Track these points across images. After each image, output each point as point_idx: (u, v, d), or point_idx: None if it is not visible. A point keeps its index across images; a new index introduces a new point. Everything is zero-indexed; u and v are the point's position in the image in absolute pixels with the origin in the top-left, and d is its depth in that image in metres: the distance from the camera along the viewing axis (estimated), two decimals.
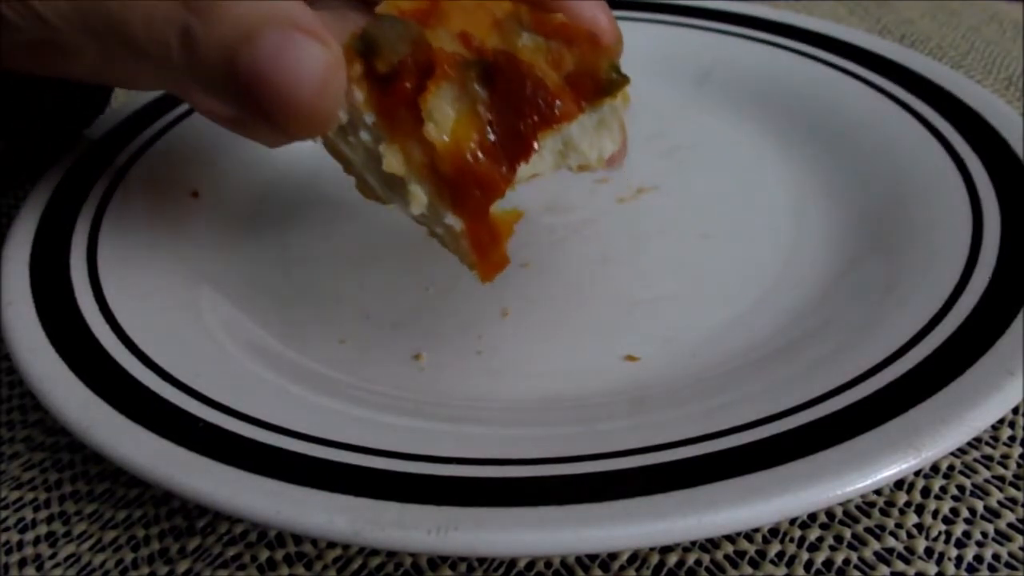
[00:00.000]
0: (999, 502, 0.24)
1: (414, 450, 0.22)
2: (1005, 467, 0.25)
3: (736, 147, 0.39)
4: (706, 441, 0.21)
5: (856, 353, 0.24)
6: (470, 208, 0.23)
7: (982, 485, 0.24)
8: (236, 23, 0.21)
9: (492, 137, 0.23)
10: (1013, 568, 0.22)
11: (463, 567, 0.23)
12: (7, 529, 0.25)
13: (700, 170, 0.38)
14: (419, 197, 0.23)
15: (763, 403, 0.23)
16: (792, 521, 0.23)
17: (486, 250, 0.24)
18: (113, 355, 0.25)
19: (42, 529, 0.25)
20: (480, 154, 0.23)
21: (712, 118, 0.41)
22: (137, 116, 0.38)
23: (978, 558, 0.22)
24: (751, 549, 0.23)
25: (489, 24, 0.24)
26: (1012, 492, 0.24)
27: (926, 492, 0.24)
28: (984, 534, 0.23)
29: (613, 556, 0.23)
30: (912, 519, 0.23)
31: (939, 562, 0.22)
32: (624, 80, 0.25)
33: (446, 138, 0.23)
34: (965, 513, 0.23)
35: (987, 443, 0.26)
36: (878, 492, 0.24)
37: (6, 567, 0.24)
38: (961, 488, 0.24)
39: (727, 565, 0.23)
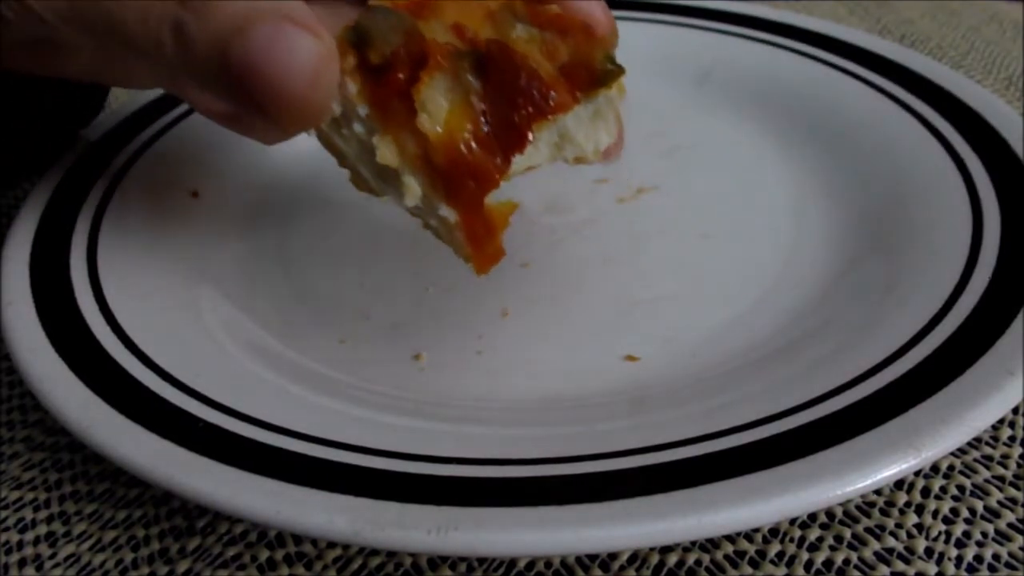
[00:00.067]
0: (999, 502, 0.24)
1: (414, 450, 0.22)
2: (1005, 467, 0.25)
3: (736, 147, 0.39)
4: (706, 441, 0.21)
5: (856, 353, 0.24)
6: (464, 199, 0.23)
7: (982, 485, 0.24)
8: (228, 17, 0.21)
9: (486, 128, 0.23)
10: (1013, 568, 0.22)
11: (463, 567, 0.23)
12: (7, 529, 0.25)
13: (700, 170, 0.38)
14: (413, 189, 0.23)
15: (763, 403, 0.23)
16: (792, 521, 0.23)
17: (481, 242, 0.23)
18: (113, 355, 0.25)
19: (42, 529, 0.25)
20: (474, 145, 0.23)
21: (712, 118, 0.41)
22: (137, 116, 0.38)
23: (978, 558, 0.22)
24: (751, 549, 0.23)
25: (483, 15, 0.24)
26: (1012, 492, 0.24)
27: (926, 492, 0.24)
28: (984, 534, 0.23)
29: (613, 556, 0.23)
30: (912, 519, 0.23)
31: (939, 562, 0.22)
32: (619, 71, 0.25)
33: (439, 129, 0.23)
34: (965, 513, 0.23)
35: (987, 443, 0.26)
36: (878, 492, 0.24)
37: (6, 567, 0.24)
38: (961, 488, 0.24)
39: (727, 565, 0.23)
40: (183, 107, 0.38)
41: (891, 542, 0.23)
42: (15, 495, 0.26)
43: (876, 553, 0.23)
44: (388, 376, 0.27)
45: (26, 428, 0.28)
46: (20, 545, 0.24)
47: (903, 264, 0.28)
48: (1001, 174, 0.30)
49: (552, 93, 0.23)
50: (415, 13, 0.24)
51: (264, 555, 0.24)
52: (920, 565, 0.22)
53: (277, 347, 0.28)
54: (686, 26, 0.44)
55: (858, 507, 0.24)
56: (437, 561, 0.23)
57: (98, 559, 0.24)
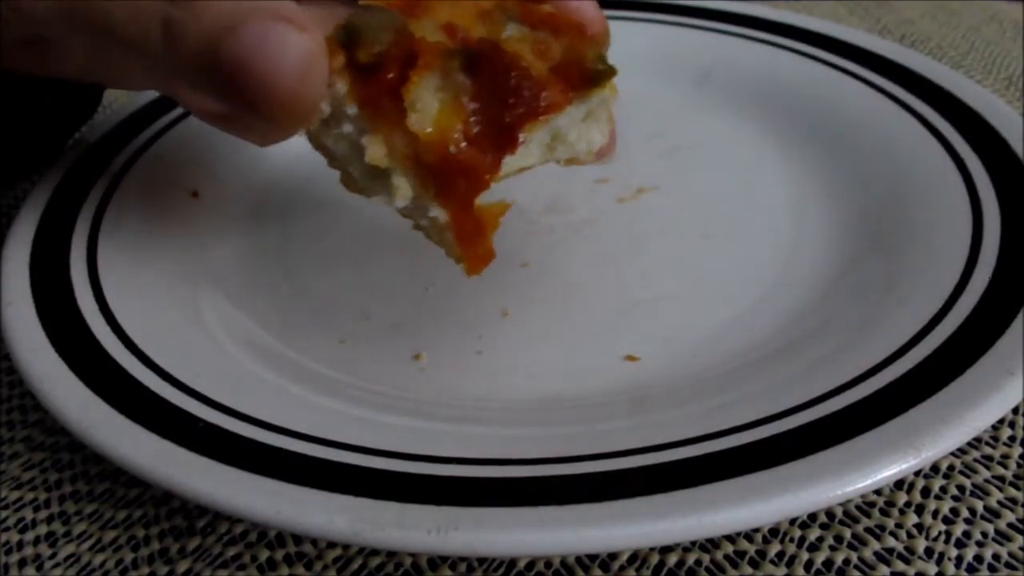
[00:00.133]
0: (999, 502, 0.24)
1: (414, 450, 0.22)
2: (1005, 467, 0.25)
3: (736, 147, 0.39)
4: (706, 441, 0.21)
5: (856, 353, 0.24)
6: (455, 200, 0.23)
7: (982, 485, 0.24)
8: (217, 15, 0.21)
9: (477, 128, 0.23)
10: (1013, 568, 0.22)
11: (463, 567, 0.23)
12: (7, 529, 0.25)
13: (700, 170, 0.38)
14: (403, 189, 0.23)
15: (763, 403, 0.23)
16: (792, 521, 0.23)
17: (471, 242, 0.23)
18: (113, 355, 0.25)
19: (42, 529, 0.25)
20: (464, 145, 0.23)
21: (712, 118, 0.41)
22: (136, 116, 0.38)
23: (978, 558, 0.22)
24: (751, 549, 0.23)
25: (475, 14, 0.24)
26: (1012, 492, 0.24)
27: (926, 492, 0.24)
28: (984, 534, 0.23)
29: (613, 556, 0.23)
30: (912, 519, 0.23)
31: (939, 562, 0.22)
32: (611, 71, 0.25)
33: (429, 129, 0.22)
34: (965, 513, 0.23)
35: (987, 443, 0.26)
36: (878, 492, 0.24)
37: (6, 567, 0.24)
38: (961, 488, 0.24)
39: (727, 565, 0.23)
40: (182, 108, 0.38)
41: (891, 542, 0.23)
42: (15, 495, 0.26)
43: (876, 553, 0.23)
44: (388, 376, 0.27)
45: (26, 428, 0.28)
46: (20, 545, 0.24)
47: (903, 264, 0.28)
48: (1001, 174, 0.30)
49: (544, 93, 0.23)
50: (406, 12, 0.24)
51: (264, 555, 0.24)
52: (920, 565, 0.22)
53: (277, 347, 0.28)
54: (686, 26, 0.44)
55: (858, 507, 0.24)
56: (437, 561, 0.23)
57: (98, 559, 0.24)
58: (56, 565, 0.24)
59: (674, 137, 0.39)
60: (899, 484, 0.24)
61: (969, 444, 0.25)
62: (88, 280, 0.28)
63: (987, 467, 0.25)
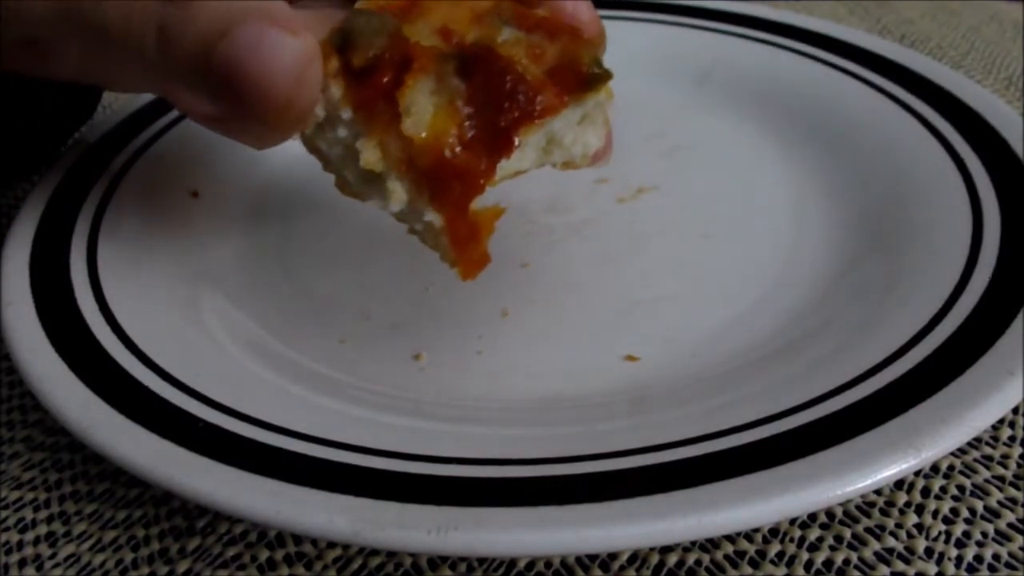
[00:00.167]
0: (999, 502, 0.24)
1: (414, 450, 0.22)
2: (1005, 467, 0.25)
3: (736, 147, 0.39)
4: (706, 441, 0.21)
5: (856, 353, 0.24)
6: (449, 204, 0.23)
7: (982, 485, 0.24)
8: (212, 18, 0.21)
9: (471, 132, 0.23)
10: (1013, 568, 0.22)
11: (463, 567, 0.23)
12: (7, 529, 0.25)
13: (700, 170, 0.38)
14: (398, 193, 0.23)
15: (763, 403, 0.23)
16: (792, 521, 0.23)
17: (466, 247, 0.23)
18: (113, 355, 0.25)
19: (42, 529, 0.25)
20: (459, 149, 0.23)
21: (712, 118, 0.41)
22: (136, 116, 0.38)
23: (978, 558, 0.22)
24: (751, 549, 0.23)
25: (470, 18, 0.24)
26: (1012, 492, 0.24)
27: (926, 492, 0.24)
28: (984, 534, 0.23)
29: (613, 556, 0.23)
30: (912, 519, 0.23)
31: (939, 562, 0.22)
32: (607, 74, 0.25)
33: (424, 133, 0.22)
34: (965, 513, 0.23)
35: (987, 443, 0.26)
36: (878, 492, 0.24)
37: (6, 567, 0.24)
38: (961, 488, 0.24)
39: (727, 565, 0.23)
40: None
41: (891, 542, 0.23)
42: (15, 495, 0.26)
43: (876, 553, 0.23)
44: (388, 376, 0.27)
45: (26, 428, 0.28)
46: (20, 545, 0.24)
47: (903, 264, 0.28)
48: (1001, 174, 0.30)
49: (539, 97, 0.23)
50: (401, 16, 0.24)
51: (264, 555, 0.24)
52: (920, 565, 0.22)
53: (277, 347, 0.28)
54: (686, 26, 0.44)
55: (858, 507, 0.24)
56: (437, 561, 0.23)
57: (98, 559, 0.24)
58: (56, 565, 0.24)
59: (674, 137, 0.39)
60: (899, 484, 0.24)
61: (969, 444, 0.25)
62: (88, 280, 0.28)
63: (987, 467, 0.25)
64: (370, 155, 0.23)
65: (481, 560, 0.23)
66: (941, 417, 0.21)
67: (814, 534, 0.23)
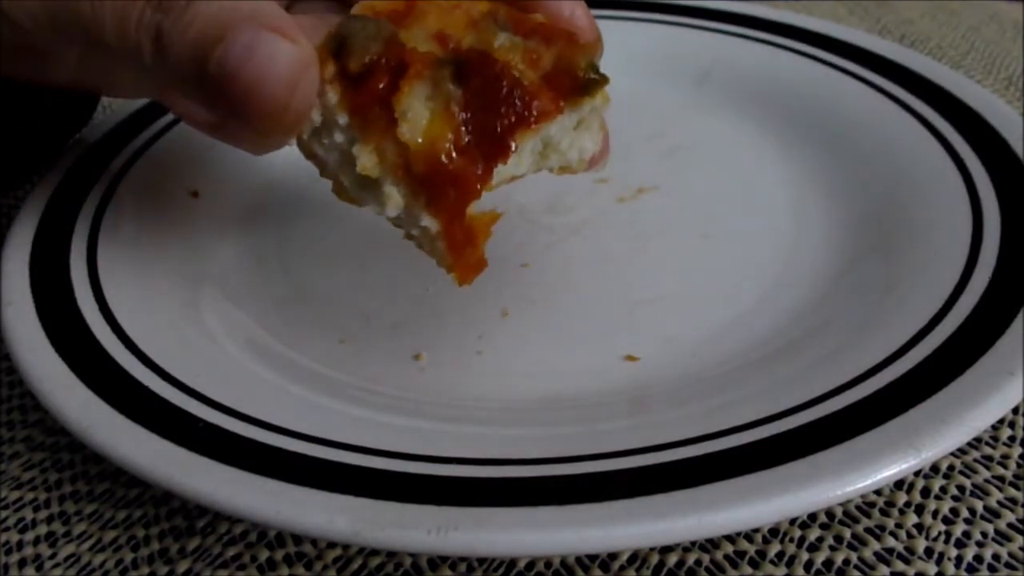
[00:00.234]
0: (999, 502, 0.24)
1: (414, 450, 0.22)
2: (1005, 467, 0.25)
3: (736, 147, 0.39)
4: (706, 441, 0.21)
5: (856, 353, 0.24)
6: (446, 209, 0.23)
7: (982, 485, 0.24)
8: (207, 23, 0.21)
9: (468, 137, 0.23)
10: (1013, 568, 0.22)
11: (463, 567, 0.23)
12: (7, 529, 0.25)
13: (700, 170, 0.38)
14: (394, 198, 0.23)
15: (763, 403, 0.23)
16: (792, 521, 0.23)
17: (463, 252, 0.23)
18: (113, 355, 0.25)
19: (42, 529, 0.25)
20: (455, 154, 0.23)
21: (712, 118, 0.41)
22: (136, 116, 0.38)
23: (978, 558, 0.22)
24: (751, 549, 0.23)
25: (466, 24, 0.24)
26: (1012, 492, 0.24)
27: (926, 492, 0.24)
28: (984, 534, 0.23)
29: (613, 556, 0.23)
30: (912, 519, 0.23)
31: (939, 562, 0.22)
32: (603, 80, 0.25)
33: (420, 138, 0.22)
34: (965, 513, 0.23)
35: (987, 443, 0.26)
36: (878, 492, 0.24)
37: (6, 567, 0.24)
38: (961, 488, 0.24)
39: (727, 565, 0.23)
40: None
41: (891, 542, 0.23)
42: (15, 495, 0.26)
43: (876, 553, 0.23)
44: (388, 376, 0.27)
45: (26, 428, 0.28)
46: (20, 545, 0.24)
47: (903, 264, 0.28)
48: (1001, 174, 0.30)
49: (535, 102, 0.23)
50: (397, 21, 0.24)
51: (264, 555, 0.24)
52: (920, 565, 0.22)
53: (277, 347, 0.28)
54: (686, 26, 0.44)
55: (858, 507, 0.24)
56: (437, 561, 0.23)
57: (98, 559, 0.24)
58: (56, 565, 0.24)
59: (674, 137, 0.39)
60: (899, 484, 0.24)
61: (969, 444, 0.25)
62: (88, 280, 0.28)
63: (987, 467, 0.25)
64: (366, 160, 0.23)
65: (481, 560, 0.23)
66: (941, 417, 0.21)
67: (814, 534, 0.23)
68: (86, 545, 0.24)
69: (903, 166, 0.33)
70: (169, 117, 0.38)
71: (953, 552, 0.22)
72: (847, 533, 0.23)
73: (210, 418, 0.23)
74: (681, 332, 0.29)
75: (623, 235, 0.34)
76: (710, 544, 0.23)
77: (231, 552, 0.24)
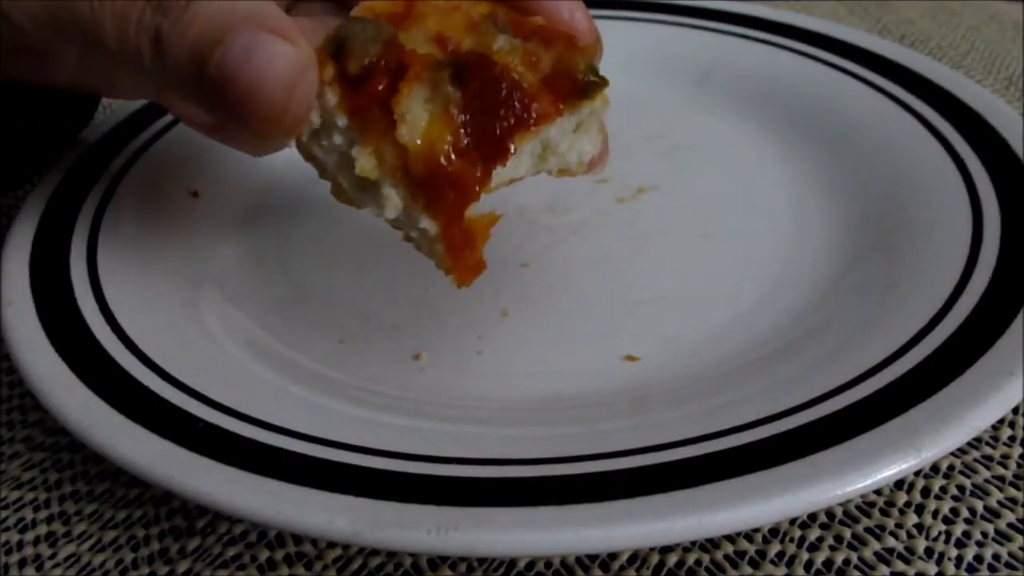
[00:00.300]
0: (999, 502, 0.24)
1: (414, 450, 0.22)
2: (1005, 467, 0.25)
3: (736, 147, 0.39)
4: (706, 441, 0.21)
5: (856, 353, 0.24)
6: (444, 211, 0.23)
7: (982, 485, 0.24)
8: (206, 24, 0.21)
9: (467, 139, 0.23)
10: (1013, 568, 0.22)
11: (463, 567, 0.23)
12: (7, 529, 0.25)
13: (700, 170, 0.38)
14: (393, 200, 0.23)
15: (763, 403, 0.23)
16: (792, 521, 0.23)
17: (461, 254, 0.23)
18: (113, 355, 0.25)
19: (42, 529, 0.25)
20: (454, 156, 0.23)
21: (712, 118, 0.41)
22: (137, 116, 0.38)
23: (978, 558, 0.22)
24: (751, 549, 0.23)
25: (465, 26, 0.24)
26: (1012, 492, 0.24)
27: (926, 492, 0.24)
28: (984, 534, 0.23)
29: (613, 556, 0.23)
30: (912, 519, 0.23)
31: (939, 562, 0.22)
32: (603, 82, 0.25)
33: (419, 140, 0.22)
34: (965, 513, 0.23)
35: (987, 443, 0.26)
36: (878, 492, 0.24)
37: (6, 567, 0.24)
38: (961, 488, 0.24)
39: (727, 565, 0.23)
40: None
41: (891, 542, 0.23)
42: (15, 495, 0.26)
43: (876, 553, 0.23)
44: (388, 376, 0.27)
45: (26, 428, 0.28)
46: (20, 545, 0.24)
47: (903, 264, 0.28)
48: (1001, 174, 0.30)
49: (534, 104, 0.23)
50: (396, 23, 0.24)
51: (264, 555, 0.24)
52: (920, 565, 0.22)
53: (277, 347, 0.28)
54: (686, 26, 0.44)
55: (858, 507, 0.24)
56: (437, 561, 0.23)
57: (98, 559, 0.24)
58: (56, 565, 0.24)
59: (674, 137, 0.39)
60: (899, 484, 0.24)
61: (969, 444, 0.25)
62: (88, 280, 0.28)
63: (987, 467, 0.25)
64: (365, 162, 0.23)
65: (481, 560, 0.23)
66: (941, 417, 0.21)
67: (814, 534, 0.23)
68: (86, 545, 0.24)
69: (903, 166, 0.33)
70: (169, 117, 0.38)
71: (953, 552, 0.22)
72: (847, 533, 0.23)
73: (210, 418, 0.23)
74: (681, 332, 0.29)
75: (623, 235, 0.34)
76: (710, 544, 0.23)
77: (231, 552, 0.24)
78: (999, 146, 0.32)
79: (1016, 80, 0.46)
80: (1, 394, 0.30)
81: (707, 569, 0.23)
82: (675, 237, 0.33)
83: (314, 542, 0.24)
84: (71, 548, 0.24)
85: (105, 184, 0.33)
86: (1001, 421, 0.26)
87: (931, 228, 0.29)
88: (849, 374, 0.23)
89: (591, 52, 0.25)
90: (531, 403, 0.26)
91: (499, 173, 0.23)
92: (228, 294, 0.31)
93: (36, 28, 0.22)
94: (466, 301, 0.30)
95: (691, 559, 0.23)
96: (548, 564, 0.23)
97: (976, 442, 0.26)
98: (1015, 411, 0.27)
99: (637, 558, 0.23)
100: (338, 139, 0.24)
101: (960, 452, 0.25)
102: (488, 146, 0.23)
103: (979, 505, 0.24)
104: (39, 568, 0.24)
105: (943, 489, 0.24)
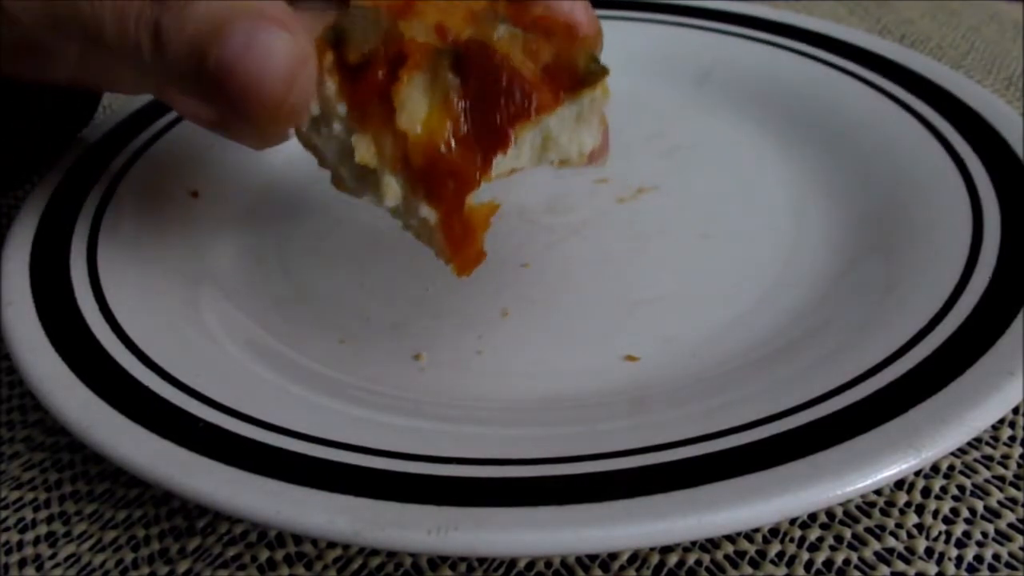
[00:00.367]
0: (999, 502, 0.24)
1: (414, 450, 0.22)
2: (1005, 467, 0.25)
3: (736, 147, 0.39)
4: (706, 441, 0.21)
5: (856, 353, 0.24)
6: (444, 200, 0.23)
7: (982, 485, 0.24)
8: (205, 18, 0.21)
9: (466, 128, 0.23)
10: (1013, 568, 0.22)
11: (463, 567, 0.23)
12: (7, 529, 0.25)
13: (700, 170, 0.38)
14: (392, 189, 0.23)
15: (763, 403, 0.23)
16: (792, 521, 0.23)
17: (461, 243, 0.23)
18: (113, 355, 0.25)
19: (42, 529, 0.25)
20: (454, 145, 0.23)
21: (712, 118, 0.41)
22: (136, 116, 0.38)
23: (978, 558, 0.22)
24: (751, 549, 0.23)
25: (466, 16, 0.24)
26: (1012, 492, 0.24)
27: (926, 492, 0.24)
28: (984, 534, 0.23)
29: (613, 556, 0.23)
30: (912, 519, 0.23)
31: (939, 562, 0.22)
32: (603, 71, 0.24)
33: (419, 129, 0.22)
34: (965, 513, 0.23)
35: (987, 443, 0.26)
36: (878, 492, 0.24)
37: (6, 567, 0.24)
38: (961, 488, 0.24)
39: (727, 565, 0.23)
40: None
41: (891, 542, 0.23)
42: (15, 495, 0.26)
43: (876, 553, 0.23)
44: (388, 376, 0.27)
45: (26, 428, 0.28)
46: (20, 545, 0.24)
47: (903, 264, 0.28)
48: (1001, 174, 0.30)
49: (535, 93, 0.23)
50: (397, 13, 0.24)
51: (264, 555, 0.24)
52: (920, 565, 0.22)
53: (277, 347, 0.28)
54: (686, 26, 0.44)
55: (858, 507, 0.24)
56: (437, 561, 0.23)
57: (98, 559, 0.24)
58: (56, 565, 0.24)
59: (674, 137, 0.39)
60: (899, 484, 0.24)
61: (969, 444, 0.25)
62: (88, 280, 0.28)
63: (987, 467, 0.25)
64: (364, 151, 0.23)
65: (481, 560, 0.23)
66: (941, 417, 0.21)
67: (814, 534, 0.23)
68: (86, 545, 0.24)
69: (903, 166, 0.33)
70: (169, 117, 0.38)
71: (953, 552, 0.22)
72: (847, 533, 0.23)
73: (210, 418, 0.23)
74: (681, 332, 0.29)
75: (623, 235, 0.34)
76: (710, 544, 0.23)
77: (231, 552, 0.24)
78: (999, 146, 0.32)
79: (1016, 80, 0.46)
80: (1, 394, 0.30)
81: (707, 569, 0.23)
82: (675, 237, 0.33)
83: (314, 542, 0.24)
84: (71, 548, 0.24)
85: (105, 184, 0.33)
86: (1001, 421, 0.26)
87: (931, 228, 0.29)
88: (849, 374, 0.23)
89: (592, 43, 0.25)
90: (531, 403, 0.26)
91: (499, 162, 0.23)
92: (228, 294, 0.31)
93: (36, 25, 0.22)
94: (466, 301, 0.30)
95: (691, 559, 0.23)
96: (548, 564, 0.23)
97: (976, 442, 0.26)
98: (1015, 411, 0.27)
99: (637, 558, 0.23)
100: (338, 128, 0.24)
101: (960, 452, 0.25)
102: (488, 135, 0.23)
103: (979, 505, 0.24)
104: (39, 568, 0.24)
105: (943, 489, 0.24)
